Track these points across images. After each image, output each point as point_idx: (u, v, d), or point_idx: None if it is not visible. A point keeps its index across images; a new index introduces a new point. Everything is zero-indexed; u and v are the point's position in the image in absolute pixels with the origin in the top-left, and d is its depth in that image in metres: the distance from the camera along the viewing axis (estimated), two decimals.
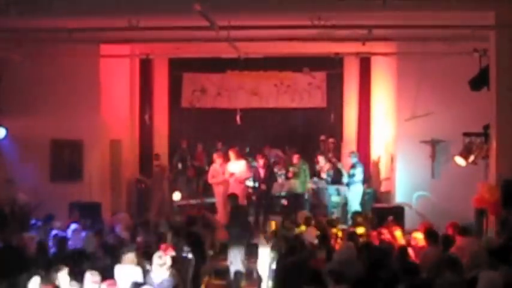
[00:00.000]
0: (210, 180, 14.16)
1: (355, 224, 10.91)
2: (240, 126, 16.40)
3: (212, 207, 14.02)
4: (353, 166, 13.93)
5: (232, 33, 10.64)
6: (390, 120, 14.24)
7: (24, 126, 12.98)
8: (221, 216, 13.22)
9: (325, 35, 11.29)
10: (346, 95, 17.02)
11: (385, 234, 9.54)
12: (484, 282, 6.50)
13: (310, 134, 16.85)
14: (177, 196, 14.77)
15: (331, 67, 15.93)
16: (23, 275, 7.12)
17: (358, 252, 8.18)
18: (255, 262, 10.29)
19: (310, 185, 14.56)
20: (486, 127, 10.72)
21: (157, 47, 14.15)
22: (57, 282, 6.95)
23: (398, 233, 9.84)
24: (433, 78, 12.87)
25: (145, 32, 11.37)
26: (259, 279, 9.62)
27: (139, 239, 9.64)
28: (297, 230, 10.70)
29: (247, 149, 16.15)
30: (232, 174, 13.73)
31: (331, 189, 14.24)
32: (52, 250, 9.38)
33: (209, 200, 14.66)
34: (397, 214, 11.77)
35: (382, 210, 12.27)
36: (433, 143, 13.08)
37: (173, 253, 8.60)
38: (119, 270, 7.63)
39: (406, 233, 10.17)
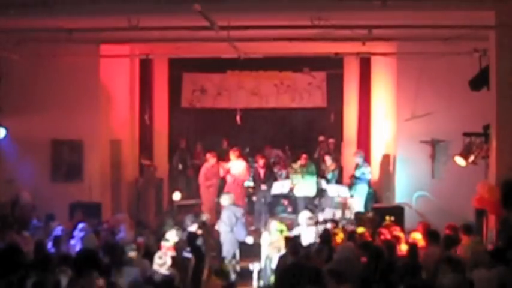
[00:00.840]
0: (203, 182, 13.97)
1: (358, 224, 10.91)
2: (240, 126, 16.40)
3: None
4: (359, 166, 13.86)
5: (232, 33, 10.62)
6: (390, 120, 14.22)
7: (24, 126, 12.94)
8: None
9: (325, 35, 11.29)
10: (346, 95, 17.02)
11: (385, 235, 9.54)
12: (479, 282, 6.51)
13: (310, 134, 16.86)
14: (177, 196, 14.74)
15: (331, 67, 15.95)
16: (18, 275, 7.10)
17: (357, 252, 8.20)
18: (255, 262, 10.30)
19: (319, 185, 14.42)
20: (486, 127, 10.70)
21: (157, 47, 14.15)
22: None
23: (400, 233, 9.84)
24: (433, 78, 12.85)
25: (145, 32, 11.36)
26: (259, 279, 9.64)
27: (139, 239, 9.65)
28: (297, 230, 10.71)
29: (247, 149, 16.15)
30: (228, 171, 13.68)
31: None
32: (51, 250, 9.38)
33: None
34: (397, 214, 11.76)
35: (382, 210, 12.26)
36: (433, 143, 13.06)
37: (173, 253, 8.62)
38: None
39: (406, 233, 10.18)
